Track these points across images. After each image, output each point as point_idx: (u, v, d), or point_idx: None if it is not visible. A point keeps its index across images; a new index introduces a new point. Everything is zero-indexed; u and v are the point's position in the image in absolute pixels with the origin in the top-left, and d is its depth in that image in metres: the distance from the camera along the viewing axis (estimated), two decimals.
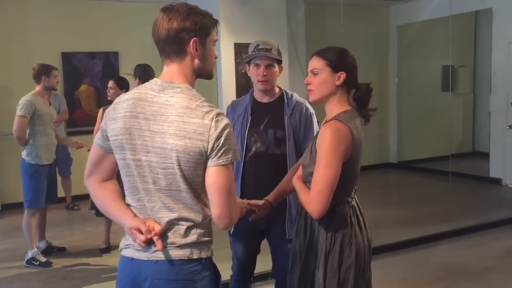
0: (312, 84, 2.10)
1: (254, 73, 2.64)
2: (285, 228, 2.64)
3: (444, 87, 8.52)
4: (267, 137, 2.65)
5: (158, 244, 1.62)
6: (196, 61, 1.69)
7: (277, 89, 2.73)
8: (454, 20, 6.55)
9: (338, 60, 2.09)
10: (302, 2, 7.34)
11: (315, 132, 2.67)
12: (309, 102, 2.16)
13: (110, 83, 4.69)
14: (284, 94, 2.71)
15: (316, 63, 2.10)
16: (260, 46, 2.62)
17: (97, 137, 1.75)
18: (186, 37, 1.65)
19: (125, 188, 1.72)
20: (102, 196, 1.77)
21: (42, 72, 4.58)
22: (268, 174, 2.57)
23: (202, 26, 1.68)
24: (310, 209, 2.02)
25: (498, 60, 7.46)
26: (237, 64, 5.96)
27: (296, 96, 2.74)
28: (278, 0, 6.33)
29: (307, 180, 2.10)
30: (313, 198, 2.00)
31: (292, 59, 6.82)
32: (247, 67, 2.70)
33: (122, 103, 1.69)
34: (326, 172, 1.97)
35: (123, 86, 4.67)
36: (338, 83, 2.08)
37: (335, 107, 2.10)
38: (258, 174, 2.56)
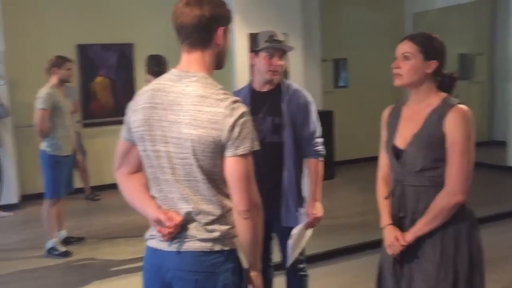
0: (401, 68, 2.05)
1: (266, 63, 2.64)
2: (281, 217, 2.66)
3: (461, 76, 8.41)
4: (265, 125, 2.66)
5: (165, 232, 1.64)
6: (219, 50, 1.70)
7: None
8: (471, 7, 6.45)
9: (432, 48, 2.04)
10: None
11: (313, 120, 2.69)
12: (395, 85, 2.11)
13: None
14: (281, 82, 2.73)
15: (408, 47, 2.04)
16: (275, 37, 2.62)
17: (122, 130, 1.77)
18: (215, 25, 1.65)
19: (149, 179, 1.74)
20: (129, 188, 1.79)
21: (54, 64, 4.62)
22: (265, 162, 2.56)
23: (228, 16, 1.69)
24: (458, 199, 1.97)
25: None
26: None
27: (294, 85, 2.75)
28: None
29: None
30: (459, 187, 1.95)
31: (307, 48, 6.78)
32: (253, 56, 2.69)
33: (142, 94, 1.71)
34: (470, 158, 1.96)
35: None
36: (429, 71, 2.04)
37: (430, 93, 2.06)
38: (257, 164, 2.58)
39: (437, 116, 2.00)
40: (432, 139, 2.00)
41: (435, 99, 2.05)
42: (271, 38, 2.62)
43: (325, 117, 6.23)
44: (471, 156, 1.97)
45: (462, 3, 6.77)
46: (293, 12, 6.29)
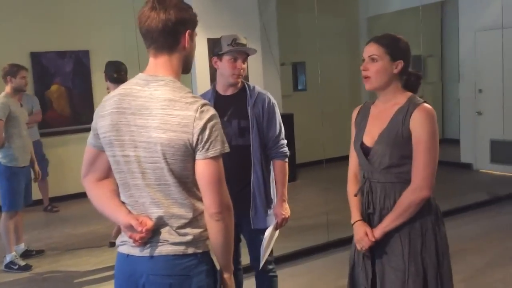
0: (369, 70, 2.09)
1: (230, 66, 2.66)
2: (250, 219, 2.69)
3: None
4: (231, 128, 2.68)
5: (137, 237, 1.62)
6: (186, 53, 1.70)
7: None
8: (421, 10, 6.69)
9: (397, 48, 2.09)
10: None
11: (277, 122, 2.73)
12: (366, 89, 2.15)
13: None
14: (246, 86, 2.76)
15: (374, 49, 2.08)
16: (238, 41, 2.65)
17: (90, 137, 1.74)
18: (181, 29, 1.65)
19: (118, 185, 1.72)
20: (98, 195, 1.76)
21: (8, 72, 4.49)
22: (233, 165, 2.53)
23: (194, 20, 1.70)
24: (424, 194, 2.02)
25: (465, 48, 7.65)
26: (211, 60, 5.95)
27: (258, 88, 2.78)
28: None
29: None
30: (425, 182, 2.01)
31: (265, 51, 6.85)
32: (216, 60, 2.71)
33: (109, 100, 1.69)
34: (435, 154, 2.02)
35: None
36: (396, 71, 2.08)
37: (397, 93, 2.12)
38: (224, 167, 2.58)
39: (403, 114, 2.07)
40: (398, 137, 2.06)
41: (401, 98, 2.12)
42: (234, 42, 2.64)
43: (285, 120, 6.24)
44: (436, 153, 2.04)
45: (413, 7, 7.01)
46: (251, 17, 6.34)
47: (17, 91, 4.59)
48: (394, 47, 2.09)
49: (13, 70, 4.51)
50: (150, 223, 1.63)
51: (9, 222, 4.46)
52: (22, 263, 4.49)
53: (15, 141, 4.42)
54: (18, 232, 4.69)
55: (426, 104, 2.07)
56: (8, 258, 4.46)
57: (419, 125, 2.02)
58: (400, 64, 2.09)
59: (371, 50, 2.10)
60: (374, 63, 2.09)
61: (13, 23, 6.58)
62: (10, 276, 4.36)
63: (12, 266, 4.45)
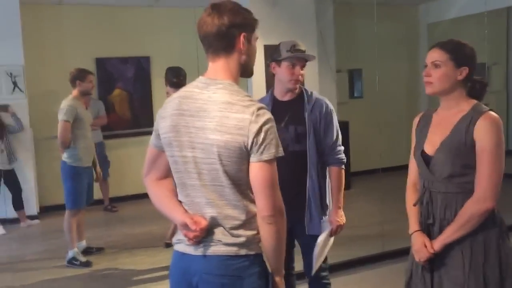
0: (432, 76, 2.06)
1: (288, 72, 2.67)
2: (304, 225, 2.68)
3: None
4: (287, 134, 2.68)
5: (191, 236, 1.66)
6: (243, 56, 1.73)
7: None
8: (485, 17, 6.45)
9: (462, 55, 2.05)
10: (331, 3, 7.34)
11: (335, 128, 2.71)
12: (426, 94, 2.12)
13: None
14: (304, 91, 2.76)
15: (438, 55, 2.05)
16: (297, 47, 2.66)
17: (152, 137, 1.81)
18: (236, 32, 1.69)
19: (176, 184, 1.78)
20: (157, 193, 1.82)
21: (77, 77, 4.71)
22: (288, 171, 2.57)
23: (250, 23, 1.73)
24: (487, 205, 1.96)
25: None
26: (267, 66, 6.00)
27: (315, 94, 2.78)
28: (307, 1, 6.35)
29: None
30: (489, 193, 1.95)
31: (321, 59, 6.82)
32: (275, 66, 2.72)
33: (171, 102, 1.76)
34: (500, 165, 1.96)
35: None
36: (460, 78, 2.04)
37: (461, 100, 2.07)
38: (280, 172, 2.59)
39: (467, 122, 2.00)
40: (461, 146, 2.00)
41: (465, 105, 2.06)
42: (293, 48, 2.65)
43: (341, 127, 6.18)
44: (501, 163, 1.97)
45: (476, 13, 6.77)
46: (308, 23, 6.34)
47: (84, 95, 4.82)
48: (459, 53, 2.04)
49: (82, 74, 4.74)
50: (204, 223, 1.67)
51: (72, 220, 4.66)
52: (83, 259, 4.68)
53: (80, 142, 4.62)
54: (80, 229, 4.89)
55: (491, 112, 2.00)
56: (70, 254, 4.66)
57: (483, 134, 1.95)
58: (464, 71, 2.04)
59: (434, 56, 2.06)
60: (437, 69, 2.05)
61: (80, 30, 6.91)
62: (72, 272, 4.55)
63: (74, 262, 4.64)
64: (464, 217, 1.99)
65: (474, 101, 2.08)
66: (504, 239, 2.05)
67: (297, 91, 2.75)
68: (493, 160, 1.95)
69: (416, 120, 2.28)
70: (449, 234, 2.02)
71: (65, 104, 4.55)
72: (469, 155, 1.99)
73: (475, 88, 2.10)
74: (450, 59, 2.03)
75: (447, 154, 2.03)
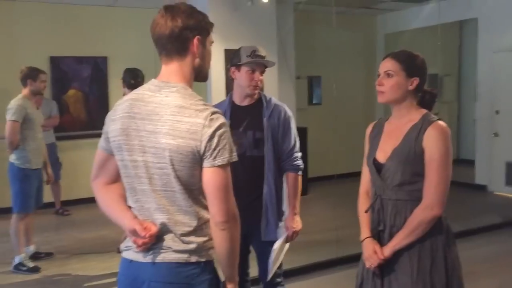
0: (384, 85, 2.10)
1: (248, 77, 2.67)
2: (260, 231, 2.67)
3: None
4: (246, 139, 2.67)
5: (140, 242, 1.62)
6: (197, 60, 1.70)
7: None
8: (439, 29, 6.67)
9: (414, 65, 2.09)
10: (291, 10, 7.40)
11: (292, 135, 2.72)
12: (378, 102, 2.17)
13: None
14: (263, 97, 2.76)
15: (390, 65, 2.10)
16: (257, 53, 2.66)
17: (101, 140, 1.76)
18: (190, 35, 1.66)
19: (126, 189, 1.73)
20: (105, 198, 1.77)
21: (28, 75, 4.54)
22: (246, 176, 2.59)
23: (204, 26, 1.70)
24: (435, 213, 2.01)
25: (483, 68, 7.59)
26: (227, 70, 5.99)
27: (274, 99, 2.78)
28: (268, 7, 6.37)
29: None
30: (436, 201, 2.00)
31: (281, 65, 6.86)
32: (234, 70, 2.71)
33: (121, 104, 1.71)
34: (447, 173, 2.00)
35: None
36: (411, 88, 2.09)
37: (411, 109, 2.11)
38: (237, 177, 2.57)
39: (417, 131, 2.05)
40: (411, 154, 2.04)
41: (416, 115, 2.11)
42: (254, 53, 2.65)
43: (299, 133, 6.25)
44: (449, 172, 2.02)
45: (431, 25, 6.99)
46: (269, 29, 6.37)
47: (35, 94, 4.65)
48: (410, 64, 2.09)
49: (34, 73, 4.57)
50: (154, 229, 1.63)
51: (19, 224, 4.48)
52: (31, 264, 4.51)
53: (30, 143, 4.46)
54: (28, 234, 4.71)
55: (440, 122, 2.06)
56: (17, 260, 4.48)
57: (432, 143, 2.00)
58: (415, 81, 2.09)
59: (387, 65, 2.11)
60: (389, 79, 2.09)
61: (33, 27, 6.69)
62: (19, 278, 4.37)
63: (21, 267, 4.46)
64: (412, 224, 2.03)
65: (424, 111, 2.13)
66: (450, 245, 2.10)
67: (256, 96, 2.75)
68: (440, 169, 2.00)
69: (369, 129, 2.32)
70: (398, 241, 2.06)
71: (14, 103, 4.38)
72: (418, 163, 2.03)
73: (425, 98, 2.16)
74: (402, 69, 2.08)
75: (397, 162, 2.06)
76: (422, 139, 2.03)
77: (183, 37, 1.65)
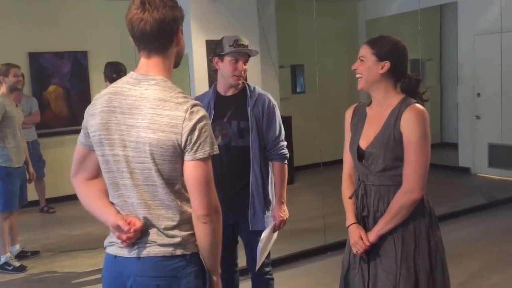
0: (358, 69, 2.14)
1: (231, 67, 2.65)
2: (248, 220, 2.67)
3: None
4: (230, 129, 2.67)
5: (124, 237, 1.61)
6: (177, 50, 1.69)
7: None
8: (420, 14, 6.68)
9: (384, 49, 2.10)
10: None
11: (277, 123, 2.71)
12: (358, 89, 2.20)
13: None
14: (247, 86, 2.75)
15: (363, 51, 2.13)
16: (239, 42, 2.64)
17: (80, 135, 1.72)
18: (175, 27, 1.63)
19: (107, 185, 1.70)
20: (87, 194, 1.74)
21: (0, 72, 4.45)
22: (231, 166, 2.60)
23: (183, 15, 1.67)
24: (415, 196, 2.02)
25: (464, 52, 7.66)
26: (209, 61, 5.95)
27: (258, 89, 2.77)
28: None
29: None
30: (416, 184, 2.00)
31: (264, 55, 6.83)
32: (217, 60, 2.69)
33: (100, 98, 1.67)
34: (426, 156, 2.01)
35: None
36: (381, 71, 2.09)
37: (389, 94, 2.12)
38: (222, 168, 2.56)
39: (395, 116, 2.06)
40: (391, 139, 2.05)
41: (394, 100, 2.12)
42: (236, 43, 2.63)
43: (284, 122, 6.26)
44: (427, 154, 2.03)
45: (411, 11, 7.00)
46: (250, 19, 6.33)
47: (13, 90, 4.56)
48: (380, 48, 2.10)
49: (4, 69, 4.47)
50: (138, 224, 1.62)
51: (3, 223, 4.43)
52: (16, 264, 4.46)
53: (10, 141, 4.40)
54: (13, 233, 4.66)
55: (417, 105, 2.06)
56: (2, 259, 4.43)
57: (409, 126, 2.02)
58: (386, 65, 2.09)
59: (361, 51, 2.15)
60: (361, 63, 2.12)
61: (10, 23, 6.55)
62: (5, 277, 4.33)
63: (6, 267, 4.41)
64: (394, 208, 2.05)
65: (402, 95, 2.13)
66: (434, 228, 2.12)
67: (240, 86, 2.73)
68: (419, 151, 2.01)
69: (349, 113, 2.32)
70: (382, 226, 2.08)
71: None
72: (398, 148, 2.05)
73: (411, 84, 2.16)
74: (372, 54, 2.10)
75: (379, 148, 2.07)
76: (400, 123, 2.04)
77: (171, 30, 1.62)
